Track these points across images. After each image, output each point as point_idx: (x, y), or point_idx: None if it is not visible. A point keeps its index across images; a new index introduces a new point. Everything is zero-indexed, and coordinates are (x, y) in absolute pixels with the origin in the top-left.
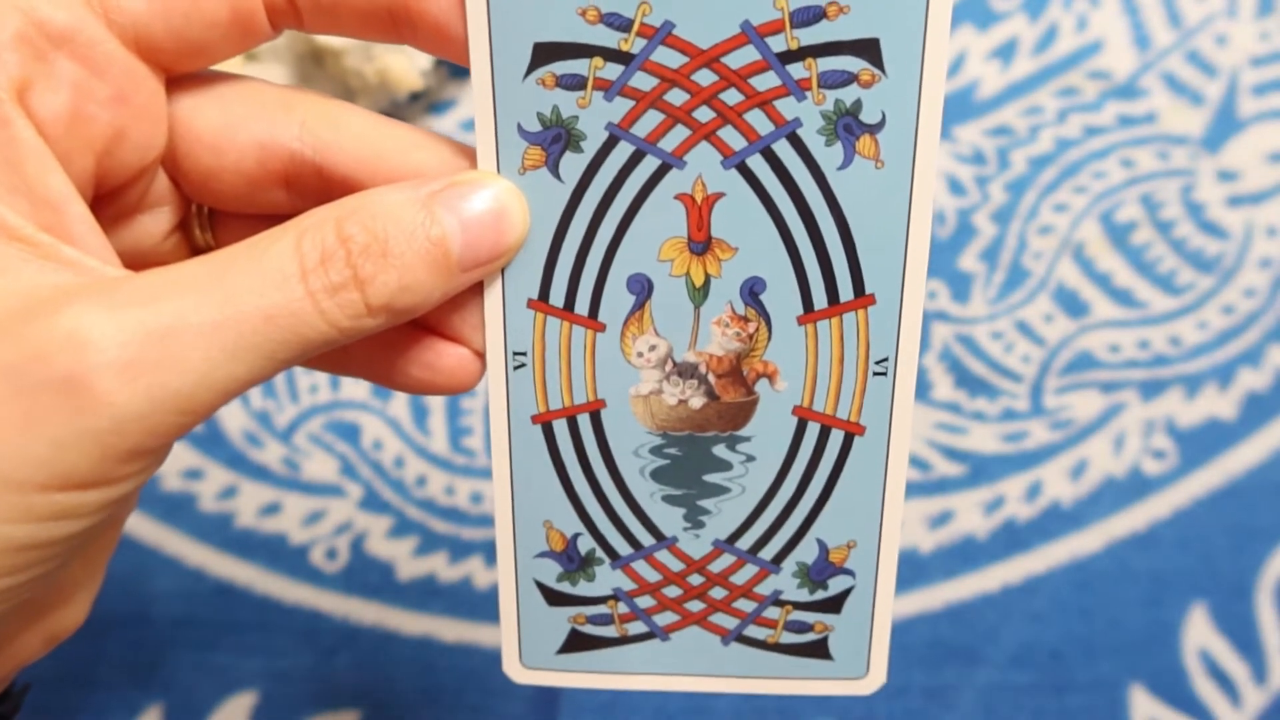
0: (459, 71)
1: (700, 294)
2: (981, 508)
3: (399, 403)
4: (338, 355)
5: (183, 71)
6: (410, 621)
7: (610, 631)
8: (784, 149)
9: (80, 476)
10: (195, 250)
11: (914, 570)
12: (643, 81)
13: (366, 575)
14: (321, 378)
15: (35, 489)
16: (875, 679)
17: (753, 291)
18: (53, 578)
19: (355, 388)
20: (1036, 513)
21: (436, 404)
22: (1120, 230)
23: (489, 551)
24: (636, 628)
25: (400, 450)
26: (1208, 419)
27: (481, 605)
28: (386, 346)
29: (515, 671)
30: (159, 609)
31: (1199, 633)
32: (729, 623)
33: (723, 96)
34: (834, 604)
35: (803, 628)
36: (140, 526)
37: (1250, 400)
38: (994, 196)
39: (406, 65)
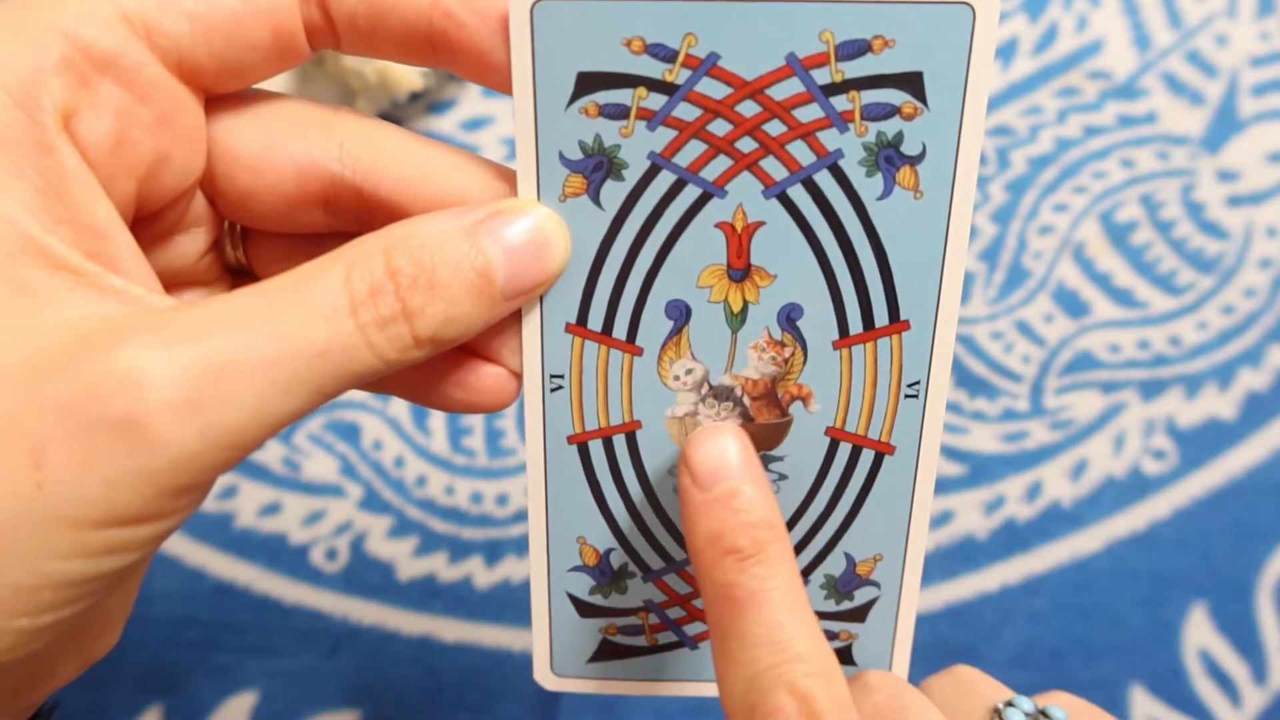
0: None
1: (738, 320)
2: (981, 508)
3: (399, 403)
4: None
5: (221, 92)
6: (410, 621)
7: (640, 641)
8: (825, 179)
9: (134, 513)
10: (228, 268)
11: None
12: (686, 112)
13: (366, 575)
14: None
15: (90, 526)
16: None
17: (790, 318)
18: (95, 608)
19: None
20: (1036, 513)
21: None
22: (1120, 230)
23: (489, 551)
24: (666, 637)
25: (400, 450)
26: (1208, 419)
27: (481, 605)
28: (425, 367)
29: (546, 679)
30: (159, 609)
31: (1199, 633)
32: None
33: (765, 127)
34: (859, 614)
35: (828, 636)
36: None
37: (1250, 400)
38: (994, 196)
39: (406, 65)
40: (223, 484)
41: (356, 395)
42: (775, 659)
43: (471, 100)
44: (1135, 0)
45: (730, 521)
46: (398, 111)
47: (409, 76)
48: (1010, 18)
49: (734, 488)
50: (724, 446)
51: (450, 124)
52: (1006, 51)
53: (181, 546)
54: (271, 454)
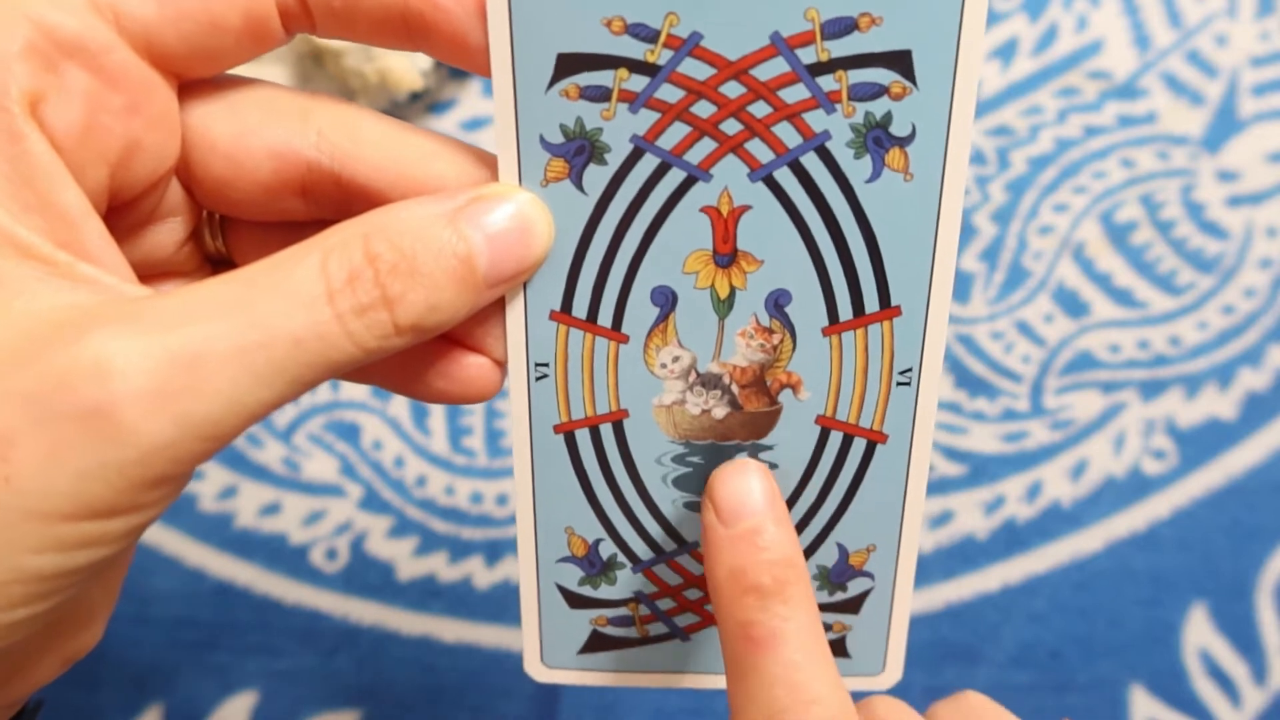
0: (460, 72)
1: (725, 306)
2: (981, 508)
3: (399, 403)
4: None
5: (195, 78)
6: (410, 621)
7: (631, 632)
8: (812, 161)
9: (105, 506)
10: (207, 257)
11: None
12: (669, 93)
13: (366, 575)
14: None
15: (60, 519)
16: (891, 675)
17: (778, 303)
18: (74, 602)
19: (355, 387)
20: (1036, 513)
21: (437, 404)
22: (1120, 230)
23: (489, 551)
24: (657, 629)
25: (400, 450)
26: (1208, 419)
27: (481, 605)
28: (407, 357)
29: (537, 671)
30: (159, 609)
31: (1199, 633)
32: None
33: (751, 109)
34: (853, 605)
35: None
36: None
37: (1250, 400)
38: (994, 196)
39: (407, 65)
40: (223, 484)
41: (357, 395)
42: (792, 699)
43: (471, 100)
44: (1135, 0)
45: (753, 559)
46: (398, 111)
47: (409, 76)
48: (1010, 18)
49: (757, 525)
50: (749, 483)
51: (450, 124)
52: (1006, 51)
53: (181, 546)
54: (271, 454)
